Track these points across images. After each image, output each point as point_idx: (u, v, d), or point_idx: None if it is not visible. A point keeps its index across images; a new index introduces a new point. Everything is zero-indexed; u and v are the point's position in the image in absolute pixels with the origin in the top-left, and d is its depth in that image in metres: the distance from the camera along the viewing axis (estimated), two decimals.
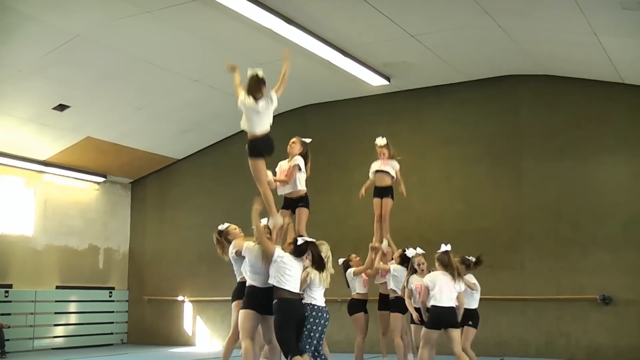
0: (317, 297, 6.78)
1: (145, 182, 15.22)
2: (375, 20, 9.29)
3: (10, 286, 12.60)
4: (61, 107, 11.52)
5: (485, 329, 11.00)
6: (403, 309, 8.26)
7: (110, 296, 14.52)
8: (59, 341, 13.36)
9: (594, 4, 7.93)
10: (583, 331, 10.31)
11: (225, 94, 11.86)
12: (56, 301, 13.45)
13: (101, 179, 14.48)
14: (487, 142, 11.54)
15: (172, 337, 14.16)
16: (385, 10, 8.99)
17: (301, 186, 7.56)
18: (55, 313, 13.40)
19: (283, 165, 7.72)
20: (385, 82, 11.63)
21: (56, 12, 8.95)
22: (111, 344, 14.22)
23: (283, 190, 7.62)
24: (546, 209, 10.87)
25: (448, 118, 11.97)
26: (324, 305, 6.83)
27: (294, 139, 7.72)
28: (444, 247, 7.66)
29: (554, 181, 10.87)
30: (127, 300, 14.85)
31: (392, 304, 8.52)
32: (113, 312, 14.54)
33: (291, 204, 7.63)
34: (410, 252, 8.28)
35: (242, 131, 6.99)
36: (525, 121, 11.25)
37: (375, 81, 11.56)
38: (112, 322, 14.50)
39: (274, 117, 13.42)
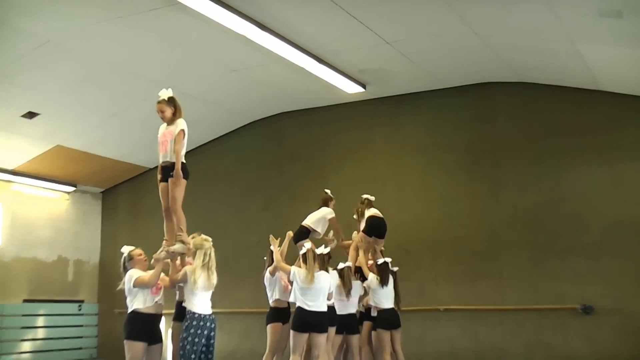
0: (197, 304, 6.33)
1: (116, 192, 14.90)
2: (350, 27, 9.16)
3: None
4: (30, 115, 11.20)
5: (463, 339, 10.94)
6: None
7: (79, 309, 14.12)
8: (25, 357, 12.92)
9: (571, 11, 7.89)
10: (563, 340, 10.22)
11: (199, 101, 11.64)
12: (23, 315, 13.04)
13: (71, 189, 14.13)
14: (464, 149, 11.46)
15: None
16: (361, 16, 8.87)
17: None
18: (22, 328, 12.98)
19: (162, 130, 6.81)
20: (361, 90, 11.52)
21: (26, 16, 8.68)
22: None
23: (164, 157, 6.73)
24: (524, 217, 10.79)
25: (425, 125, 11.87)
26: (207, 313, 6.35)
27: (159, 102, 6.70)
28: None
29: (532, 189, 10.80)
30: (97, 314, 14.44)
31: None
32: (82, 326, 14.14)
33: (165, 173, 6.72)
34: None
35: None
36: (503, 128, 11.18)
37: (351, 88, 11.44)
38: (81, 337, 14.13)
39: (248, 124, 13.27)
